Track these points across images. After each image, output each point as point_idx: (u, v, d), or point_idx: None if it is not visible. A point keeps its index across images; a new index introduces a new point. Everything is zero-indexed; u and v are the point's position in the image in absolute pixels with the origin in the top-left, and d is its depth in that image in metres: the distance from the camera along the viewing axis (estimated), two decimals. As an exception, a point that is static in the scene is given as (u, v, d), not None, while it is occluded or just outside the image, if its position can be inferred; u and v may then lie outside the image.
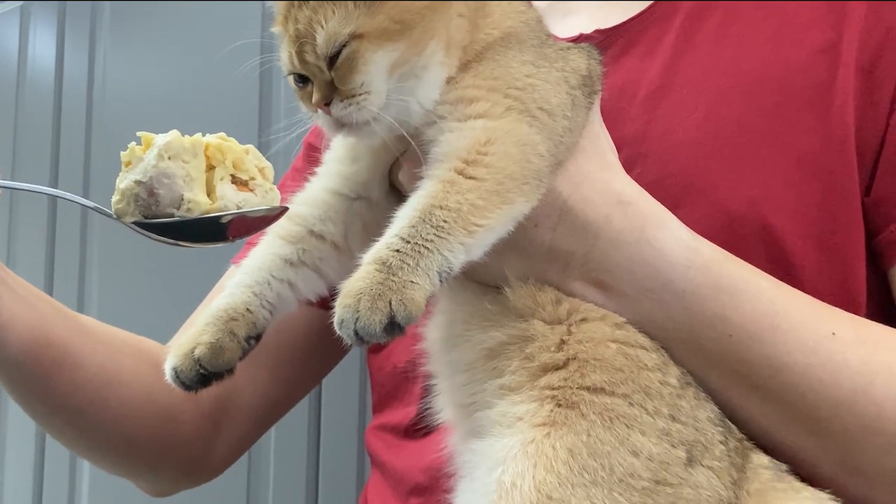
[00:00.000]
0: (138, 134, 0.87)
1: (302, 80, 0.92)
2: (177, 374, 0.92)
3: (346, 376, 1.86)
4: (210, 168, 0.86)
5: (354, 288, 0.77)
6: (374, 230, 0.95)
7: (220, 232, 0.85)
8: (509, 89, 0.90)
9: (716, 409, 0.92)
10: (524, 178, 0.86)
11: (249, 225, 0.86)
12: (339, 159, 0.99)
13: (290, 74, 0.93)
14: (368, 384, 1.37)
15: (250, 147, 0.89)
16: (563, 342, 0.88)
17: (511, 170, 0.86)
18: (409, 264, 0.78)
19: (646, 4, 1.17)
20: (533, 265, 0.93)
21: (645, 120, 1.08)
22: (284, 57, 0.92)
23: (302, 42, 0.89)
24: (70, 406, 1.16)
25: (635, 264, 0.92)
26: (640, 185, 0.96)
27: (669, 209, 0.96)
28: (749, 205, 1.02)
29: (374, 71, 0.88)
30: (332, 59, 0.88)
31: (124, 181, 0.85)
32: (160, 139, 0.85)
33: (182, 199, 0.84)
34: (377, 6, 0.88)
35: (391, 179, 0.97)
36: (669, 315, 0.91)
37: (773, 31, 1.10)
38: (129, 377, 1.19)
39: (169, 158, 0.84)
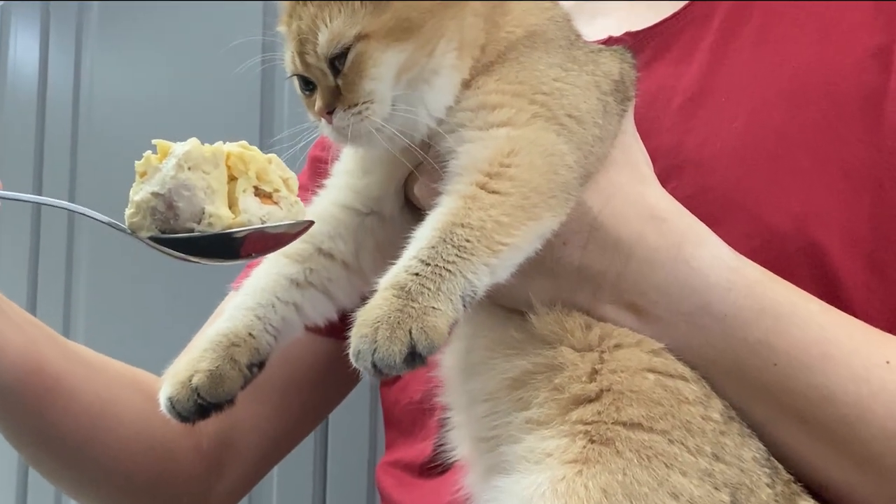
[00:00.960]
0: (154, 142, 0.86)
1: (308, 86, 0.92)
2: (172, 405, 0.91)
3: (355, 409, 1.85)
4: (231, 179, 0.86)
5: (371, 316, 0.76)
6: (387, 248, 0.95)
7: (237, 248, 0.85)
8: (535, 94, 0.89)
9: (762, 446, 0.91)
10: (551, 191, 0.85)
11: (269, 241, 0.86)
12: (349, 171, 0.99)
13: (292, 76, 0.93)
14: (379, 417, 1.36)
15: (273, 156, 0.89)
16: (595, 371, 0.88)
17: (537, 182, 0.85)
18: (429, 289, 0.77)
19: (680, 5, 1.17)
20: (560, 287, 0.92)
21: (680, 130, 1.08)
22: (287, 58, 0.92)
23: (303, 41, 0.89)
24: (63, 439, 1.15)
25: (671, 285, 0.91)
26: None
27: (707, 226, 0.95)
28: (794, 221, 1.02)
29: (381, 75, 0.87)
30: (335, 62, 0.88)
31: (139, 193, 0.84)
32: (178, 148, 0.85)
33: (203, 213, 0.83)
34: (384, 4, 0.88)
35: (406, 193, 0.97)
36: (709, 341, 0.91)
37: (817, 33, 1.09)
38: (125, 410, 1.18)
39: (188, 169, 0.83)
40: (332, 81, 0.88)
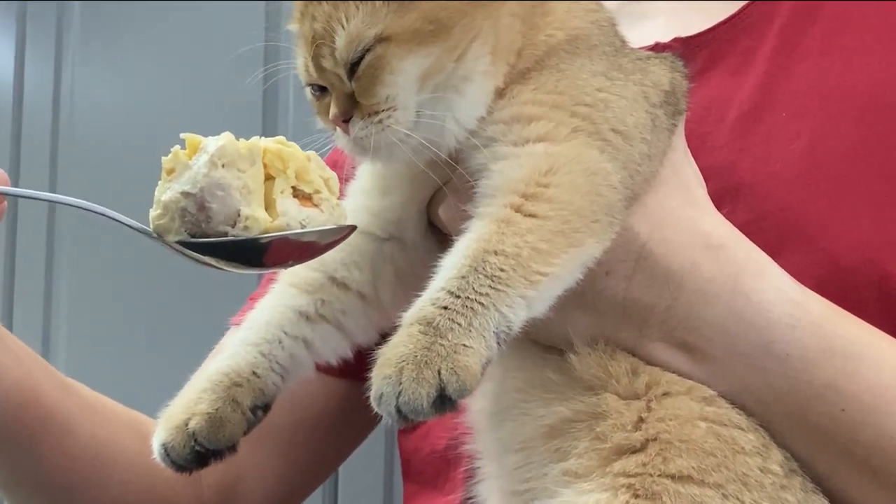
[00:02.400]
0: (182, 136, 0.85)
1: (320, 89, 0.92)
2: (167, 452, 0.90)
3: (369, 458, 1.84)
4: (267, 178, 0.85)
5: (395, 354, 0.76)
6: (408, 278, 0.95)
7: (273, 255, 0.84)
8: (577, 106, 0.88)
9: (826, 503, 0.91)
10: (594, 214, 0.85)
11: (307, 248, 0.85)
12: (365, 191, 0.98)
13: (308, 86, 0.93)
14: (396, 468, 1.36)
15: (312, 154, 0.88)
16: (641, 420, 0.88)
17: (578, 205, 0.84)
18: (460, 324, 0.77)
19: (735, 7, 1.16)
20: (603, 322, 0.91)
21: (735, 148, 1.07)
22: (299, 62, 0.92)
23: (318, 44, 0.88)
24: (55, 479, 1.15)
25: (728, 322, 0.90)
26: None
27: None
28: (863, 251, 1.01)
29: (403, 81, 0.87)
30: (354, 67, 0.87)
31: (167, 192, 0.84)
32: (211, 143, 0.84)
33: (238, 216, 0.83)
34: (408, 4, 0.87)
35: (430, 216, 0.96)
36: (769, 384, 0.90)
37: (889, 43, 1.09)
38: (121, 453, 1.18)
39: (223, 166, 0.83)
40: (350, 87, 0.88)
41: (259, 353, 0.94)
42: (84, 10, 2.45)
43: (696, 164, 0.98)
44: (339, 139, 0.91)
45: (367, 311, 0.98)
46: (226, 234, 0.82)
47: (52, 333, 2.37)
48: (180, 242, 0.83)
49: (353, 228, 0.87)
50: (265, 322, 0.96)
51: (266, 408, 0.94)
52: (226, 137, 0.84)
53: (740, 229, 0.95)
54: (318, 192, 0.87)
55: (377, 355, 0.78)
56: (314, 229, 0.85)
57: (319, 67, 0.89)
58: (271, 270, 0.86)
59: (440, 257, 0.85)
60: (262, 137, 0.86)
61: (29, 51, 2.53)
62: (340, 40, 0.87)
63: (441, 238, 0.95)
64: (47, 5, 2.50)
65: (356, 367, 1.02)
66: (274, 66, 0.96)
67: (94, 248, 2.31)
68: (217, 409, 0.90)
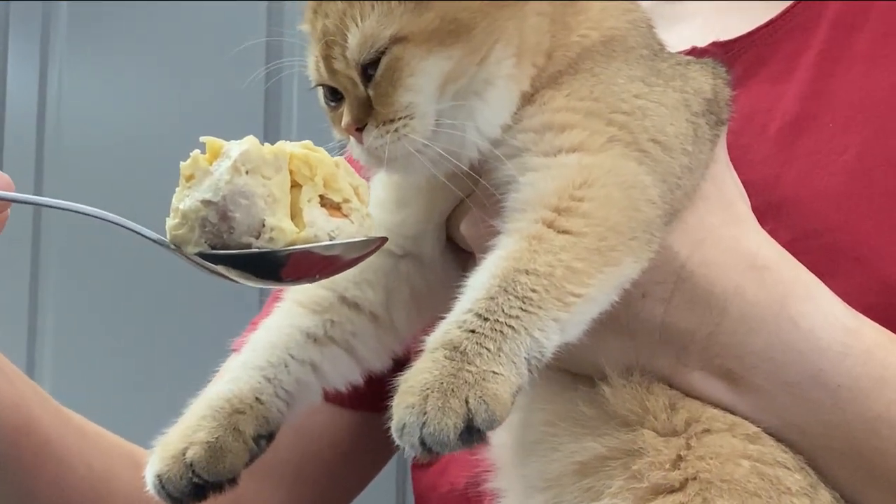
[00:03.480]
0: (202, 139, 0.85)
1: (334, 96, 0.91)
2: (162, 483, 0.89)
3: (380, 495, 1.82)
4: (294, 185, 0.84)
5: (419, 382, 0.75)
6: (424, 298, 0.95)
7: (295, 269, 0.83)
8: (613, 114, 0.87)
9: None
10: (632, 231, 0.84)
11: (333, 261, 0.84)
12: (380, 204, 0.97)
13: (316, 86, 0.92)
14: (409, 507, 1.35)
15: (341, 160, 0.87)
16: (680, 458, 0.87)
17: (615, 220, 0.83)
18: (489, 349, 0.76)
19: (778, 7, 1.15)
20: (638, 349, 0.90)
21: (779, 161, 1.06)
22: (311, 63, 0.91)
23: (330, 43, 0.88)
24: None
25: (774, 349, 0.90)
26: None
27: None
28: None
29: (422, 86, 0.86)
30: (368, 69, 0.87)
31: (186, 200, 0.83)
32: (234, 147, 0.83)
33: (263, 226, 0.82)
34: (425, 3, 0.86)
35: (449, 232, 0.95)
36: (818, 416, 0.90)
37: None
38: (119, 487, 1.17)
39: (246, 172, 0.82)
40: (364, 92, 0.87)
41: (263, 378, 0.93)
42: (71, 9, 2.45)
43: None
44: (354, 149, 0.90)
45: (380, 334, 0.97)
46: (249, 246, 0.82)
47: (37, 353, 2.38)
48: (201, 255, 0.83)
49: (383, 241, 0.87)
50: (270, 344, 0.95)
51: (270, 437, 0.93)
52: (250, 141, 0.83)
53: (784, 249, 0.94)
54: (347, 201, 0.86)
55: (399, 382, 0.77)
56: (344, 241, 0.84)
57: (331, 69, 0.88)
58: (294, 285, 0.86)
59: (461, 276, 0.84)
60: (288, 142, 0.85)
61: (12, 52, 2.53)
62: (353, 39, 0.86)
63: (460, 256, 0.94)
64: (32, 4, 2.50)
65: (367, 396, 1.02)
66: (276, 63, 0.95)
67: (82, 261, 2.32)
68: (217, 438, 0.89)
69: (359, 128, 0.87)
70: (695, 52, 1.11)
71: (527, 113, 0.89)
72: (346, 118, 0.88)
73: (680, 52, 1.05)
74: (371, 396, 0.94)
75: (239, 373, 0.93)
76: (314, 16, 0.90)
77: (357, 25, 0.86)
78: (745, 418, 0.90)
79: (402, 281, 0.96)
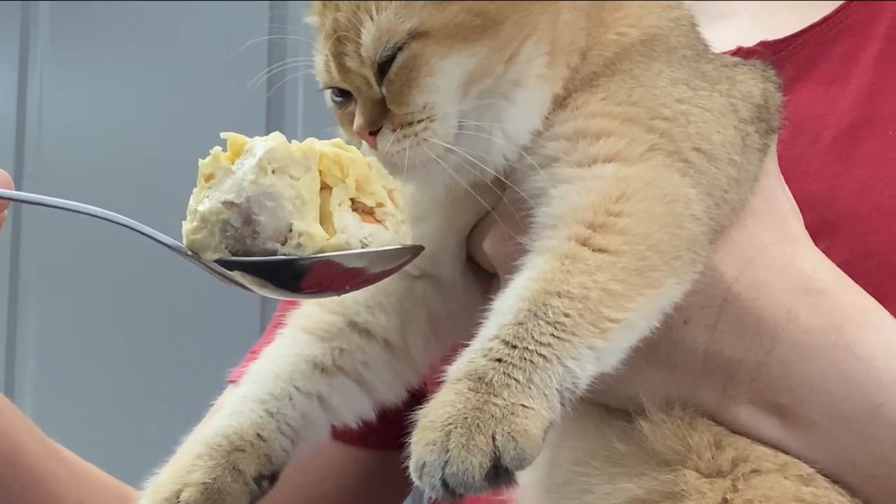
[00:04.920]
0: (223, 136, 0.84)
1: (342, 93, 0.91)
2: None
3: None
4: (323, 187, 0.84)
5: (441, 416, 0.75)
6: (443, 324, 0.94)
7: (322, 280, 0.83)
8: (653, 120, 0.87)
9: None
10: (674, 249, 0.83)
11: (353, 273, 0.83)
12: None
13: (325, 89, 0.92)
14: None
15: (373, 160, 0.87)
16: (725, 501, 0.86)
17: (656, 238, 0.83)
18: (517, 380, 0.76)
19: (833, 4, 1.15)
20: (680, 380, 0.90)
21: (833, 173, 1.06)
22: (319, 61, 0.91)
23: (341, 39, 0.87)
24: None
25: (829, 381, 0.89)
26: None
27: None
28: None
29: (443, 86, 0.86)
30: (384, 67, 0.86)
31: (206, 202, 0.82)
32: (258, 144, 0.82)
33: (290, 231, 0.81)
34: None
35: (471, 250, 0.95)
36: (878, 455, 0.89)
37: None
38: None
39: (272, 172, 0.82)
40: (378, 92, 0.87)
41: (265, 412, 0.93)
42: (53, 9, 2.47)
43: None
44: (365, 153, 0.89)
45: (394, 364, 0.97)
46: (274, 253, 0.81)
47: (17, 375, 2.39)
48: (221, 262, 0.82)
49: (419, 250, 0.86)
50: (272, 374, 0.94)
51: (273, 478, 0.92)
52: (276, 138, 0.82)
53: (841, 270, 0.94)
54: (381, 205, 0.85)
55: (418, 417, 0.77)
56: (378, 249, 0.84)
57: (342, 67, 0.88)
58: (315, 297, 0.86)
59: (484, 299, 0.84)
60: (317, 139, 0.85)
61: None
62: (367, 35, 0.86)
63: (483, 277, 0.94)
64: (11, 4, 2.51)
65: (379, 433, 1.02)
66: (280, 65, 0.95)
67: (64, 274, 2.33)
68: (215, 479, 0.88)
69: (372, 132, 0.87)
70: (741, 53, 1.11)
71: (559, 118, 0.88)
72: (358, 120, 0.88)
73: (725, 53, 1.04)
74: (384, 433, 0.93)
75: (238, 406, 0.93)
76: (323, 9, 0.89)
77: (372, 19, 0.86)
78: (798, 457, 0.89)
79: (419, 304, 0.96)
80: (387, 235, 0.84)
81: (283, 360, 0.95)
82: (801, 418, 0.89)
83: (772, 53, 1.12)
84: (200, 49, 2.22)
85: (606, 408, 0.91)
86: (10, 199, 0.88)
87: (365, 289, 0.95)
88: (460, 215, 0.94)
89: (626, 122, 0.87)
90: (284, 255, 0.81)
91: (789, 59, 1.13)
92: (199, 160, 0.83)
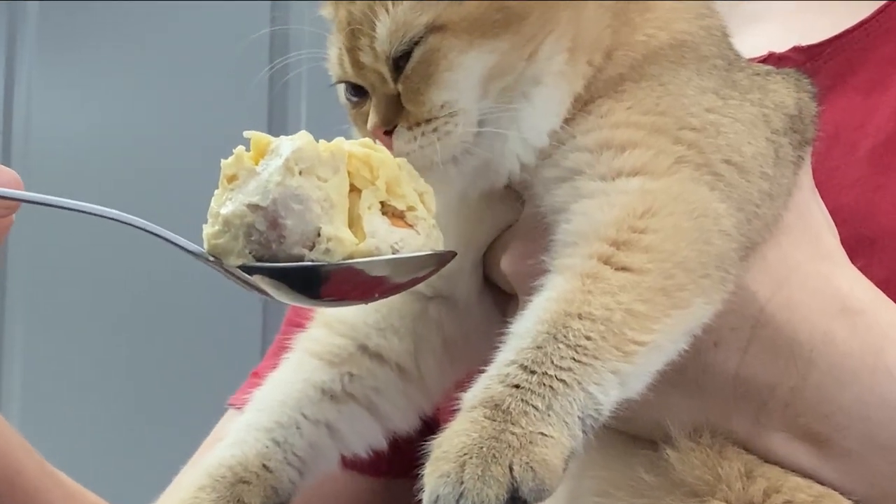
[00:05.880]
0: (246, 135, 0.84)
1: (357, 90, 0.91)
2: None
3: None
4: (352, 190, 0.84)
5: (455, 446, 0.74)
6: (458, 348, 0.95)
7: (346, 288, 0.82)
8: (681, 130, 0.87)
9: None
10: (703, 267, 0.83)
11: (378, 280, 0.83)
12: None
13: (338, 83, 0.92)
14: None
15: (403, 161, 0.87)
16: None
17: (683, 255, 0.83)
18: (536, 407, 0.76)
19: (871, 6, 1.15)
20: (709, 407, 0.89)
21: (871, 186, 1.06)
22: (332, 55, 0.92)
23: (355, 32, 0.88)
24: None
25: (868, 406, 0.89)
26: None
27: None
28: None
29: (463, 83, 0.87)
30: (399, 63, 0.87)
31: (229, 205, 0.82)
32: (284, 144, 0.82)
33: (318, 235, 0.81)
34: None
35: (487, 269, 0.95)
36: None
37: None
38: None
39: (300, 173, 0.81)
40: (393, 89, 0.88)
41: (271, 441, 0.93)
42: (42, 10, 2.48)
43: None
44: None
45: (407, 390, 0.97)
46: (300, 258, 0.81)
47: (3, 389, 2.38)
48: (244, 268, 0.82)
49: (451, 256, 0.86)
50: (279, 402, 0.94)
51: None
52: (303, 137, 0.82)
53: (878, 288, 0.94)
54: (412, 208, 0.85)
55: (431, 447, 0.76)
56: (410, 255, 0.84)
57: (356, 62, 0.89)
58: (338, 306, 0.87)
59: (501, 322, 0.84)
60: (345, 139, 0.85)
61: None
62: (383, 28, 0.87)
63: (501, 298, 0.94)
64: (-4, 5, 2.53)
65: (391, 462, 1.02)
66: (282, 60, 0.96)
67: (56, 284, 2.34)
68: None
69: (387, 131, 0.88)
70: (772, 59, 1.11)
71: (581, 126, 0.88)
72: (372, 119, 0.88)
73: (755, 59, 1.05)
74: (395, 462, 0.94)
75: (243, 436, 0.93)
76: (337, 1, 0.90)
77: (388, 12, 0.87)
78: (834, 488, 0.89)
79: (433, 327, 0.97)
80: (418, 241, 0.84)
81: (290, 387, 0.95)
82: (837, 446, 0.89)
83: (805, 59, 1.12)
84: (195, 48, 2.23)
85: (631, 436, 0.91)
86: (20, 199, 0.88)
87: (376, 311, 0.96)
88: (477, 232, 0.94)
89: (652, 132, 0.87)
90: (312, 261, 0.80)
91: (824, 65, 1.13)
92: (222, 160, 0.83)
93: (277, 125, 2.10)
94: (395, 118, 0.88)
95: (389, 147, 0.87)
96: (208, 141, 2.12)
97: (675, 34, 0.92)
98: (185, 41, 2.27)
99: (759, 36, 1.16)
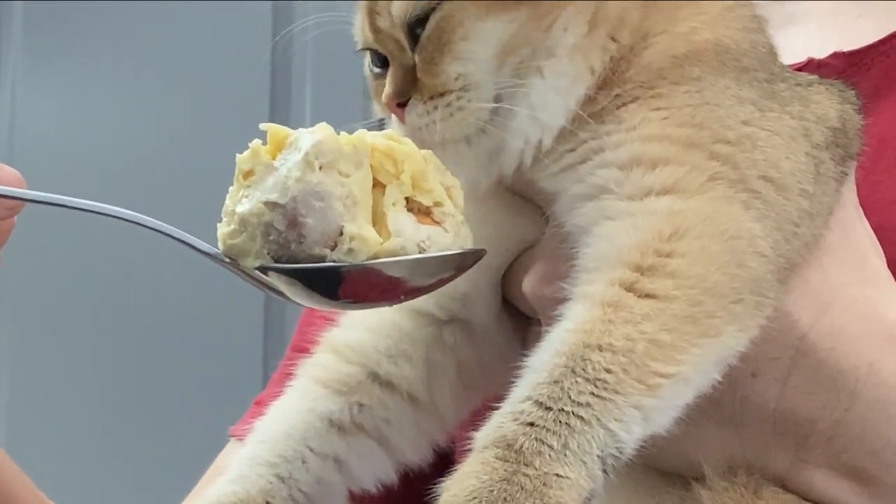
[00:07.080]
0: (262, 127, 0.84)
1: (380, 61, 0.92)
2: None
3: None
4: (375, 185, 0.84)
5: (465, 489, 0.74)
6: (475, 376, 0.95)
7: (369, 291, 0.82)
8: (717, 143, 0.87)
9: None
10: (736, 293, 0.83)
11: (391, 283, 0.83)
12: None
13: (362, 50, 0.94)
14: None
15: (429, 153, 0.86)
16: None
17: (713, 280, 0.82)
18: (551, 446, 0.76)
19: None
20: (746, 442, 0.89)
21: None
22: (357, 23, 0.93)
23: None
24: None
25: None
26: None
27: None
28: None
29: (480, 52, 0.87)
30: (416, 30, 0.88)
31: (245, 202, 0.82)
32: (304, 137, 0.82)
33: (340, 234, 0.81)
34: None
35: (507, 291, 0.95)
36: None
37: None
38: None
39: (320, 168, 0.81)
40: (410, 59, 0.88)
41: (275, 477, 0.92)
42: (27, 11, 2.49)
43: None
44: (395, 130, 0.90)
45: (419, 420, 0.97)
46: (322, 259, 0.81)
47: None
48: (262, 269, 0.81)
49: (481, 254, 0.85)
50: (283, 434, 0.94)
51: None
52: (323, 130, 0.82)
53: None
54: (438, 204, 0.85)
55: (440, 490, 0.76)
56: (438, 254, 0.83)
57: (374, 26, 0.90)
58: (369, 307, 0.86)
59: (522, 348, 0.85)
60: (367, 131, 0.85)
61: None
62: None
63: (521, 322, 0.94)
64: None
65: (402, 498, 1.01)
66: (288, 31, 0.98)
67: (46, 292, 2.34)
68: None
69: (401, 103, 0.88)
70: (811, 66, 1.11)
71: (612, 138, 0.88)
72: (387, 90, 0.89)
73: (793, 66, 1.05)
74: (406, 498, 0.93)
75: (245, 471, 0.93)
76: None
77: None
78: None
79: (448, 353, 0.96)
80: (446, 238, 0.84)
81: (295, 417, 0.95)
82: (884, 485, 0.89)
83: (846, 65, 1.12)
84: (190, 47, 2.23)
85: (661, 473, 0.91)
86: (24, 199, 0.88)
87: (387, 336, 0.96)
88: (496, 251, 0.93)
89: (687, 147, 0.87)
90: (334, 261, 0.80)
91: (867, 71, 1.13)
92: (237, 155, 0.83)
93: (280, 117, 2.11)
94: (410, 90, 0.88)
95: (402, 120, 0.88)
96: (207, 139, 2.14)
97: (719, 37, 0.91)
98: (173, 45, 2.28)
99: (794, 39, 1.15)
